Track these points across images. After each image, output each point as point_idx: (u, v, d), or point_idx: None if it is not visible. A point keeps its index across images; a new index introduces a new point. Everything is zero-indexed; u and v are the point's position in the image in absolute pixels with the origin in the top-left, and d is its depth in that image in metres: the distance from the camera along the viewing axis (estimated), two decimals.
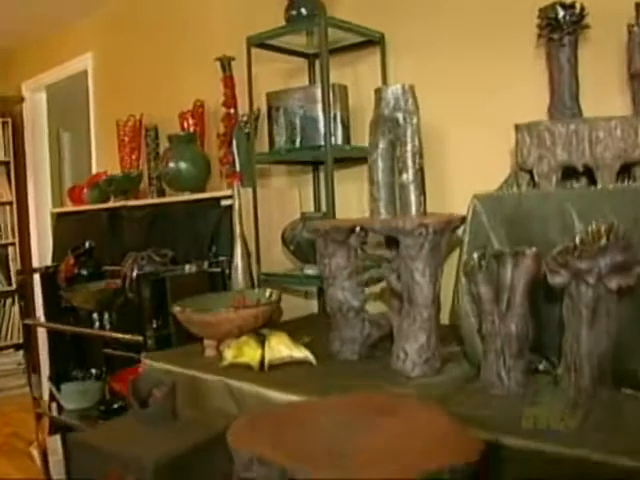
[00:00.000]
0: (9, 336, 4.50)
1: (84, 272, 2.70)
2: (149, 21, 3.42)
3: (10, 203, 4.49)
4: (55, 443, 3.02)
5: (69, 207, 3.48)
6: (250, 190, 2.37)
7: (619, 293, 1.19)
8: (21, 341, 4.14)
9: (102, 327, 2.49)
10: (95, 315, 2.50)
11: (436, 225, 1.55)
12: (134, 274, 2.23)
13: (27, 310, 2.84)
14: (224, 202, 2.46)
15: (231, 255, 2.20)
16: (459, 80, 2.16)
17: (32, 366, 2.80)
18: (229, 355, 1.76)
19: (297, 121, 2.24)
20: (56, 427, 2.98)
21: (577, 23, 1.72)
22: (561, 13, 1.74)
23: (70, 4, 3.60)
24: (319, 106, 2.17)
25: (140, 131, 3.21)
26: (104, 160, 3.67)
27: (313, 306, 2.57)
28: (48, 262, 3.38)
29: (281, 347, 1.76)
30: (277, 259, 2.45)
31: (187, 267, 2.17)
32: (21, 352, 4.33)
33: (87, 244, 2.71)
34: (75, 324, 2.63)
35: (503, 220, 1.55)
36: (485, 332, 1.45)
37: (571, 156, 1.45)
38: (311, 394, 1.45)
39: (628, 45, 1.67)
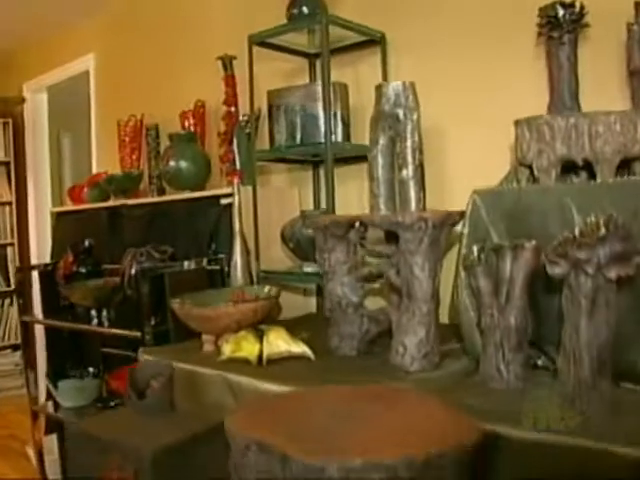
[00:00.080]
0: (7, 337, 4.49)
1: (83, 270, 2.69)
2: (150, 21, 3.44)
3: (10, 203, 4.50)
4: (51, 442, 3.01)
5: (69, 206, 3.48)
6: (250, 189, 2.37)
7: (618, 283, 1.19)
8: (19, 342, 4.14)
9: (100, 324, 2.48)
10: (93, 312, 2.50)
11: (435, 219, 1.55)
12: (133, 270, 2.22)
13: (25, 307, 2.84)
14: (224, 201, 2.46)
15: (230, 252, 2.20)
16: (460, 79, 2.17)
17: (29, 363, 2.78)
18: (227, 350, 1.76)
19: (298, 119, 2.24)
20: (52, 427, 2.97)
21: (577, 22, 1.73)
22: (561, 12, 1.75)
23: (72, 5, 3.62)
24: (320, 104, 2.18)
25: (141, 131, 3.22)
26: (104, 160, 3.67)
27: (312, 304, 2.57)
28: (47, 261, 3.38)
29: (279, 342, 1.76)
30: (276, 258, 2.45)
31: (186, 263, 2.17)
32: (18, 353, 4.32)
33: (86, 242, 2.71)
34: (73, 322, 2.63)
35: (503, 215, 1.55)
36: (484, 325, 1.45)
37: (570, 150, 1.45)
38: None
39: (627, 43, 1.68)
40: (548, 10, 1.76)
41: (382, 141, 1.80)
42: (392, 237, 1.70)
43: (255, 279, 2.26)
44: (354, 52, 2.44)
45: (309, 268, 2.20)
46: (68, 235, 3.21)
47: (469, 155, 2.12)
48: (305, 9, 2.23)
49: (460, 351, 1.70)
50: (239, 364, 1.70)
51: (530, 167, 1.55)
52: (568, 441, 1.09)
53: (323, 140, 2.14)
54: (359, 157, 2.30)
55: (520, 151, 1.55)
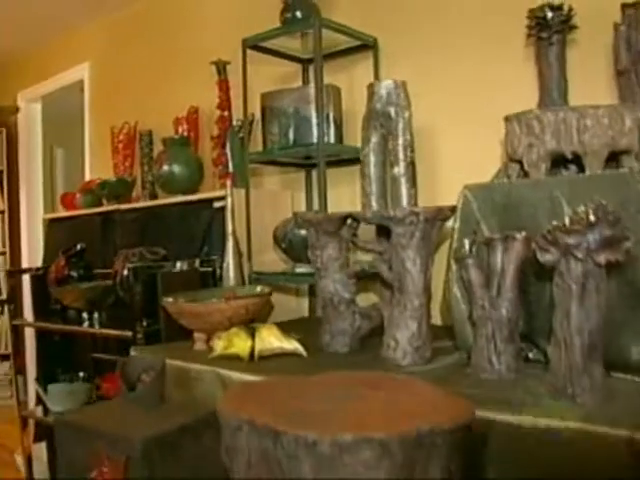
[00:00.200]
0: None
1: (74, 274, 2.68)
2: (145, 30, 3.47)
3: (2, 212, 4.48)
4: (40, 450, 2.98)
5: (61, 213, 3.48)
6: (243, 191, 2.38)
7: (608, 270, 1.20)
8: (8, 351, 4.09)
9: (92, 327, 2.47)
10: (85, 315, 2.49)
11: (427, 213, 1.56)
12: (125, 271, 2.22)
13: (16, 312, 2.81)
14: (216, 204, 2.47)
15: (222, 254, 2.20)
16: (451, 81, 2.20)
17: (18, 368, 2.76)
18: (219, 346, 1.75)
19: (290, 121, 2.26)
20: (41, 434, 2.94)
21: (565, 23, 1.77)
22: (550, 14, 1.78)
23: (67, 15, 3.65)
24: (312, 106, 2.20)
25: (134, 138, 3.23)
26: (98, 168, 3.68)
27: (304, 307, 2.56)
28: None
29: (271, 339, 1.75)
30: (269, 261, 2.45)
31: (178, 264, 2.17)
32: (7, 363, 4.27)
33: (78, 246, 2.71)
34: (64, 325, 2.61)
35: (493, 209, 1.56)
36: (475, 317, 1.45)
37: (560, 144, 1.47)
38: None
39: (614, 43, 1.71)
40: (537, 12, 1.80)
41: (374, 139, 1.82)
42: (384, 234, 1.71)
43: (247, 280, 2.26)
44: (347, 57, 2.47)
45: (301, 269, 2.21)
46: (60, 242, 3.20)
47: (461, 155, 2.14)
48: (298, 13, 2.27)
49: (452, 348, 1.71)
50: (231, 360, 1.70)
51: (520, 162, 1.57)
52: (559, 425, 1.09)
53: (315, 141, 2.16)
54: (351, 160, 2.31)
55: (510, 146, 1.57)
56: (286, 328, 1.95)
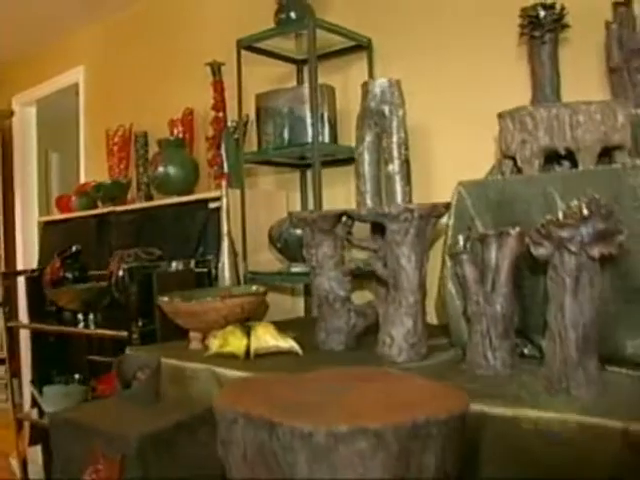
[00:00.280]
0: None
1: (70, 275, 2.68)
2: (140, 32, 3.48)
3: None
4: (35, 454, 2.97)
5: (56, 215, 3.47)
6: (238, 192, 2.39)
7: (602, 264, 1.21)
8: (3, 354, 4.07)
9: (87, 328, 2.46)
10: (80, 316, 2.48)
11: (421, 210, 1.57)
12: (120, 272, 2.22)
13: (11, 314, 2.81)
14: (212, 204, 2.47)
15: (218, 253, 2.20)
16: (446, 81, 2.21)
17: (13, 371, 2.75)
18: (214, 345, 1.75)
19: (285, 121, 2.27)
20: (36, 437, 2.93)
21: (557, 21, 1.78)
22: (542, 13, 1.80)
23: (62, 18, 3.65)
24: (307, 106, 2.21)
25: (130, 140, 3.23)
26: (93, 171, 3.68)
27: (300, 307, 2.57)
28: None
29: (267, 337, 1.76)
30: (265, 262, 2.45)
31: (174, 264, 2.17)
32: (3, 367, 4.25)
33: (74, 247, 2.70)
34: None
35: (488, 205, 1.57)
36: (470, 313, 1.45)
37: (553, 140, 1.48)
38: None
39: (606, 41, 1.73)
40: (530, 11, 1.82)
41: (368, 138, 1.83)
42: (378, 231, 1.71)
43: (242, 280, 2.26)
44: (341, 57, 2.48)
45: (297, 268, 2.21)
46: (55, 244, 3.20)
47: (455, 152, 2.15)
48: (293, 14, 2.28)
49: (448, 345, 1.71)
50: (226, 358, 1.69)
51: (514, 159, 1.58)
52: (555, 417, 1.09)
53: (310, 141, 2.17)
54: (346, 160, 2.32)
55: (504, 143, 1.58)
56: (282, 327, 1.95)
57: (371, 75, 2.37)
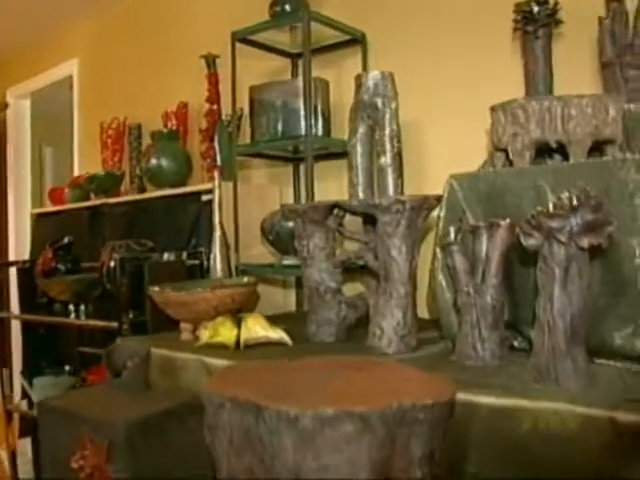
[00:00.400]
0: None
1: (62, 267, 2.67)
2: (134, 26, 3.47)
3: None
4: (25, 446, 2.95)
5: (49, 207, 3.46)
6: (231, 184, 2.38)
7: (591, 256, 1.21)
8: None
9: (78, 319, 2.46)
10: (71, 307, 2.47)
11: (413, 202, 1.57)
12: (112, 263, 2.21)
13: (2, 305, 2.80)
14: (204, 197, 2.47)
15: (209, 246, 2.20)
16: (440, 75, 2.22)
17: (3, 362, 2.74)
18: (205, 335, 1.75)
19: (279, 114, 2.27)
20: (26, 429, 2.92)
21: (551, 17, 1.79)
22: (536, 8, 1.80)
23: (56, 11, 3.64)
24: (301, 99, 2.20)
25: (123, 133, 3.22)
26: (86, 164, 3.67)
27: (291, 298, 2.56)
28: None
29: (257, 328, 1.75)
30: (256, 254, 2.45)
31: (166, 255, 2.17)
32: None
33: (66, 239, 2.69)
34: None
35: (479, 198, 1.57)
36: (460, 304, 1.46)
37: (544, 133, 1.48)
38: None
39: (599, 36, 1.73)
40: (523, 6, 1.82)
41: (361, 130, 1.83)
42: (370, 223, 1.71)
43: (234, 272, 2.25)
44: (335, 51, 2.48)
45: (289, 261, 2.21)
46: (48, 236, 3.18)
47: (448, 146, 2.16)
48: (287, 7, 2.28)
49: (438, 338, 1.71)
50: (216, 349, 1.69)
51: (505, 151, 1.58)
52: (544, 406, 1.10)
53: (303, 133, 2.17)
54: (339, 154, 2.32)
55: (496, 135, 1.59)
56: (273, 321, 1.95)
57: (365, 69, 2.37)
